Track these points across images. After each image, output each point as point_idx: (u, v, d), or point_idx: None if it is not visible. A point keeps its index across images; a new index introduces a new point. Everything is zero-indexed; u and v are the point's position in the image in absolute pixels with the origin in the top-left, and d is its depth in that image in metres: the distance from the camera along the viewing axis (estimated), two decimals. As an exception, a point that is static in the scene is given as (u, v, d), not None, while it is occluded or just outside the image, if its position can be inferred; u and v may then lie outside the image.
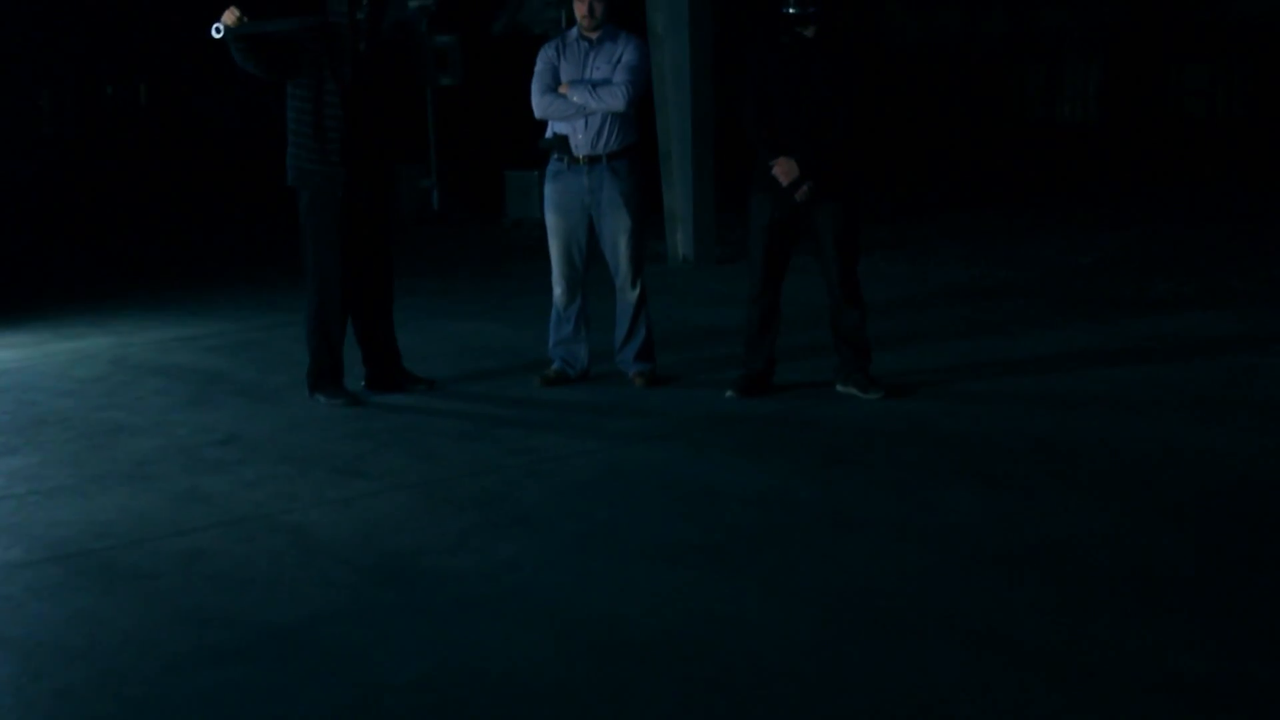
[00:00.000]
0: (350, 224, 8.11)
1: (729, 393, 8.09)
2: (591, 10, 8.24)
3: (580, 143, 8.28)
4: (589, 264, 8.51)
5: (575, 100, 8.20)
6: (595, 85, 8.18)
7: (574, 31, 8.42)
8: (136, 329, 10.73)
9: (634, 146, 8.38)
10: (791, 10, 7.85)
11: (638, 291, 8.49)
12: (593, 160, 8.29)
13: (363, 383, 8.52)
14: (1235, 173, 21.71)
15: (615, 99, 8.15)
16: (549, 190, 8.45)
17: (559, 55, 8.35)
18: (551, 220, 8.45)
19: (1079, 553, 5.32)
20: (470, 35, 16.01)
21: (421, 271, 13.16)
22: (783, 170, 7.89)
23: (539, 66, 8.37)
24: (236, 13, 7.62)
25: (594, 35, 8.30)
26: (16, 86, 29.33)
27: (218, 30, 7.62)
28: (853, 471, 6.47)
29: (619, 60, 8.25)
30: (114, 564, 5.54)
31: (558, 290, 8.53)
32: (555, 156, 8.40)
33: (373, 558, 5.52)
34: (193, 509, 6.23)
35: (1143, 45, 29.89)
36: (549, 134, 8.43)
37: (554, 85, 8.28)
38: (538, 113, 8.33)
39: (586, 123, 8.25)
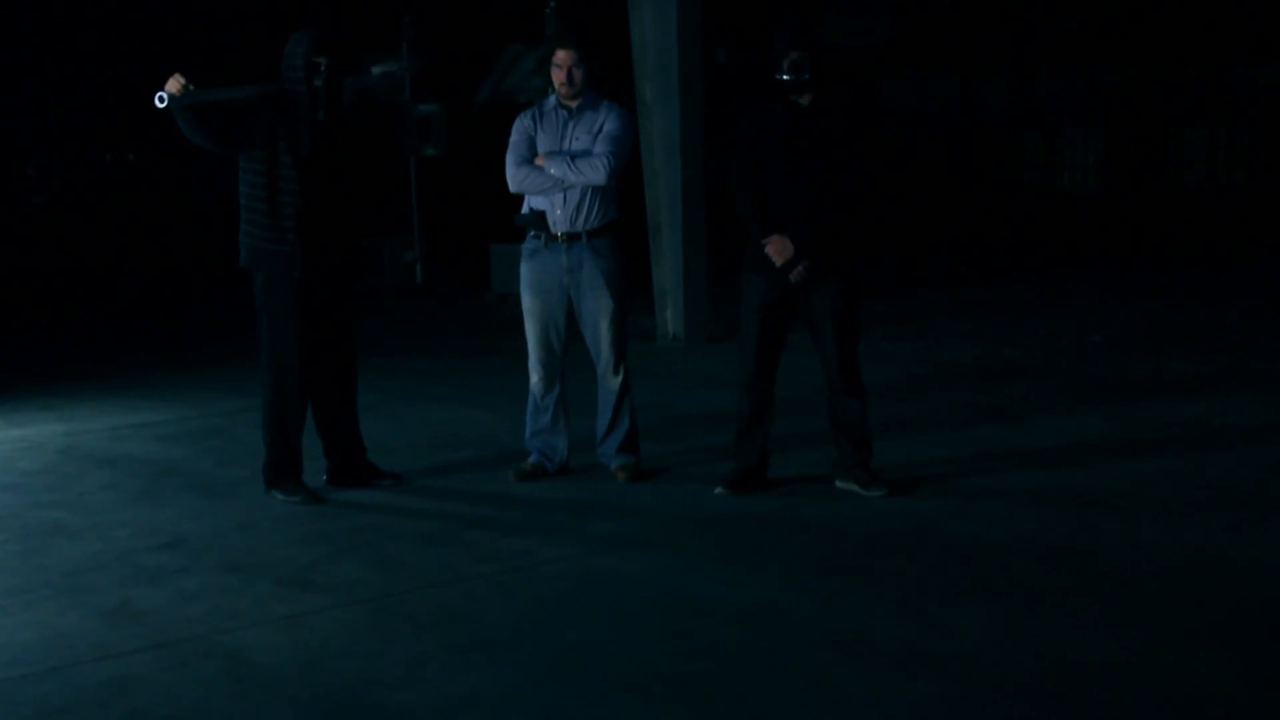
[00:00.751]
0: (309, 307, 7.52)
1: (719, 489, 7.48)
2: (570, 77, 7.68)
3: (558, 219, 7.71)
4: (568, 348, 7.93)
5: (553, 173, 7.63)
6: (574, 157, 7.61)
7: (552, 99, 7.86)
8: (92, 414, 10.11)
9: (616, 223, 7.80)
10: (786, 76, 7.29)
11: (621, 378, 7.89)
12: (572, 238, 7.71)
13: (325, 477, 7.90)
14: (1241, 242, 21.17)
15: (595, 172, 7.58)
16: (525, 270, 7.87)
17: (535, 125, 7.79)
18: (528, 302, 7.87)
19: (1109, 682, 4.70)
20: (454, 103, 15.49)
21: (400, 349, 12.57)
22: (776, 249, 7.31)
23: (514, 137, 7.81)
24: (181, 80, 7.05)
25: (573, 104, 7.74)
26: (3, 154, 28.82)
27: (161, 100, 7.05)
28: (853, 583, 5.84)
29: (600, 130, 7.69)
30: (22, 698, 4.90)
31: (534, 377, 7.93)
32: (532, 234, 7.82)
33: (313, 689, 4.88)
34: (122, 629, 5.59)
35: (1142, 113, 29.45)
36: (525, 209, 7.86)
37: (530, 157, 7.72)
38: (513, 186, 7.77)
39: (565, 197, 7.68)
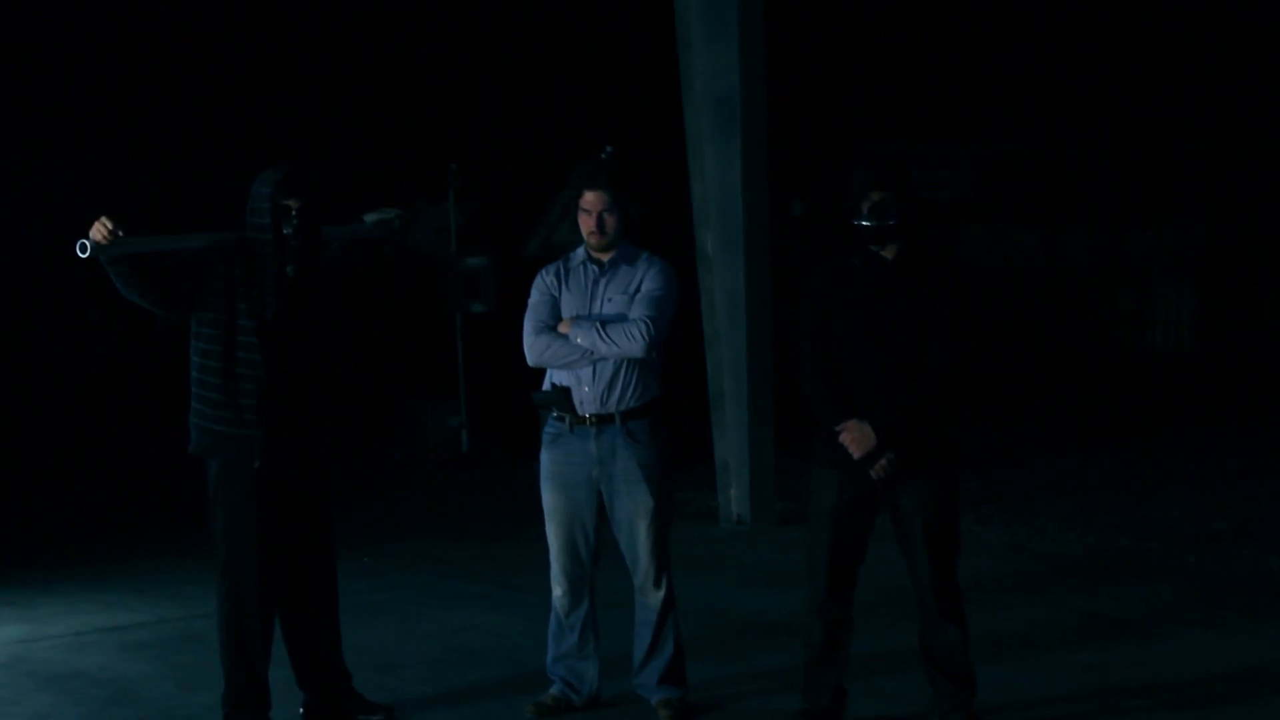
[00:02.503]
0: (273, 504, 6.03)
1: (782, 739, 5.88)
2: (600, 224, 6.22)
3: (586, 398, 6.22)
4: (599, 556, 6.39)
5: (579, 342, 6.15)
6: (606, 323, 6.14)
7: (580, 253, 6.40)
8: (58, 613, 8.57)
9: (656, 402, 6.30)
10: (866, 222, 5.81)
11: (663, 593, 6.34)
12: (603, 420, 6.22)
13: (300, 710, 6.35)
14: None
15: (631, 341, 6.09)
16: (546, 459, 6.37)
17: (560, 283, 6.34)
18: (550, 499, 6.36)
19: None
20: (503, 256, 14.14)
21: (427, 532, 11.03)
22: (853, 438, 5.79)
23: (533, 298, 6.36)
24: (109, 226, 5.63)
25: (605, 257, 6.29)
26: None
27: (82, 249, 5.63)
28: None
29: (637, 290, 6.22)
30: None
31: (557, 590, 6.39)
32: (554, 415, 6.33)
33: None
34: None
35: (1237, 266, 27.85)
36: (546, 385, 6.38)
37: (552, 322, 6.26)
38: (531, 358, 6.30)
39: (594, 372, 6.19)
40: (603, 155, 12.12)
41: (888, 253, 5.90)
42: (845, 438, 5.82)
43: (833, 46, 21.31)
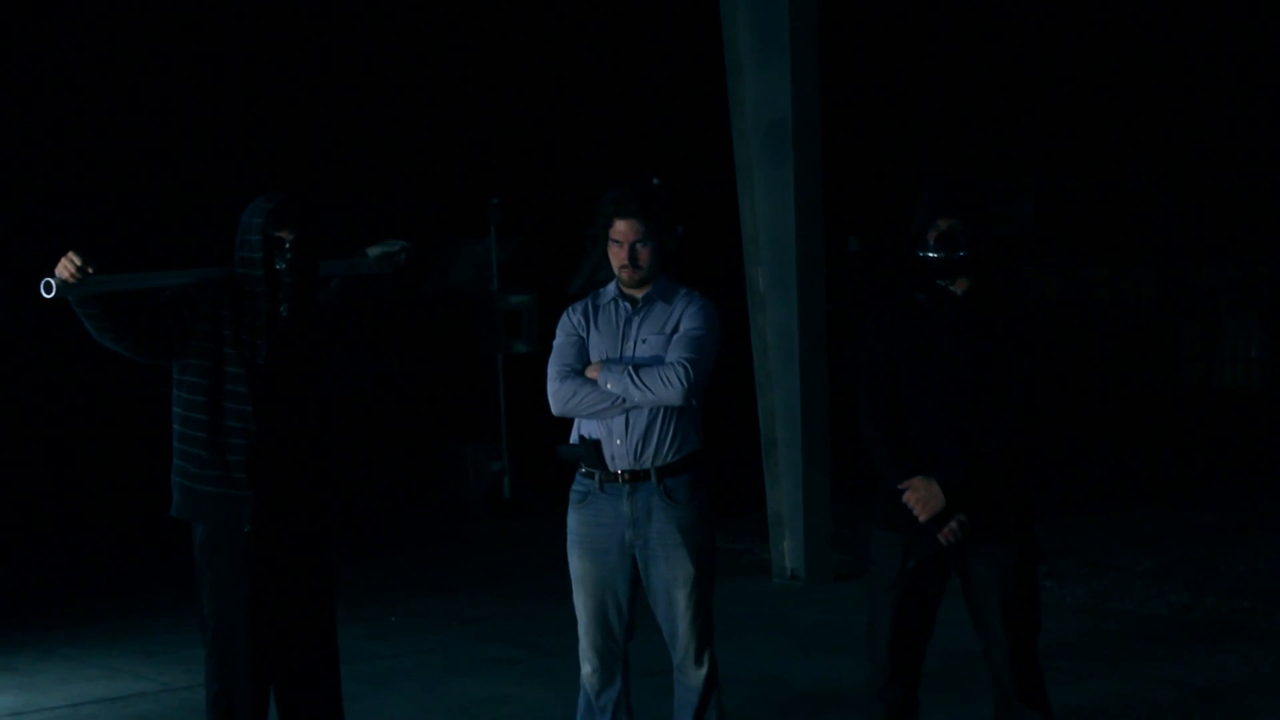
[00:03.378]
0: (267, 574, 5.33)
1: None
2: (633, 256, 5.52)
3: (618, 451, 5.50)
4: (633, 629, 5.66)
5: (610, 389, 5.44)
6: (639, 367, 5.41)
7: (611, 289, 5.69)
8: (57, 680, 7.88)
9: (696, 457, 5.58)
10: (932, 254, 5.07)
11: (705, 671, 5.60)
12: (637, 477, 5.50)
13: (299, 800, 5.64)
14: None
15: (667, 388, 5.37)
16: (574, 521, 5.67)
17: (588, 323, 5.63)
18: (578, 566, 5.65)
19: None
20: (547, 294, 13.46)
21: (460, 587, 10.31)
22: (919, 497, 5.05)
23: (559, 339, 5.66)
24: (76, 262, 4.96)
25: (638, 293, 5.58)
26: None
27: (47, 288, 4.95)
28: None
29: (674, 329, 5.51)
30: None
31: (586, 668, 5.67)
32: (582, 472, 5.62)
33: None
34: None
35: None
36: (574, 438, 5.66)
37: (579, 366, 5.55)
38: (556, 407, 5.59)
39: (627, 422, 5.48)
40: (650, 186, 11.45)
41: (957, 288, 5.17)
42: (910, 497, 5.08)
43: (890, 76, 20.61)
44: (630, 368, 5.43)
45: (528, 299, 13.52)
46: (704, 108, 12.31)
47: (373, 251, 5.78)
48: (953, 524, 5.06)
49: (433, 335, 14.56)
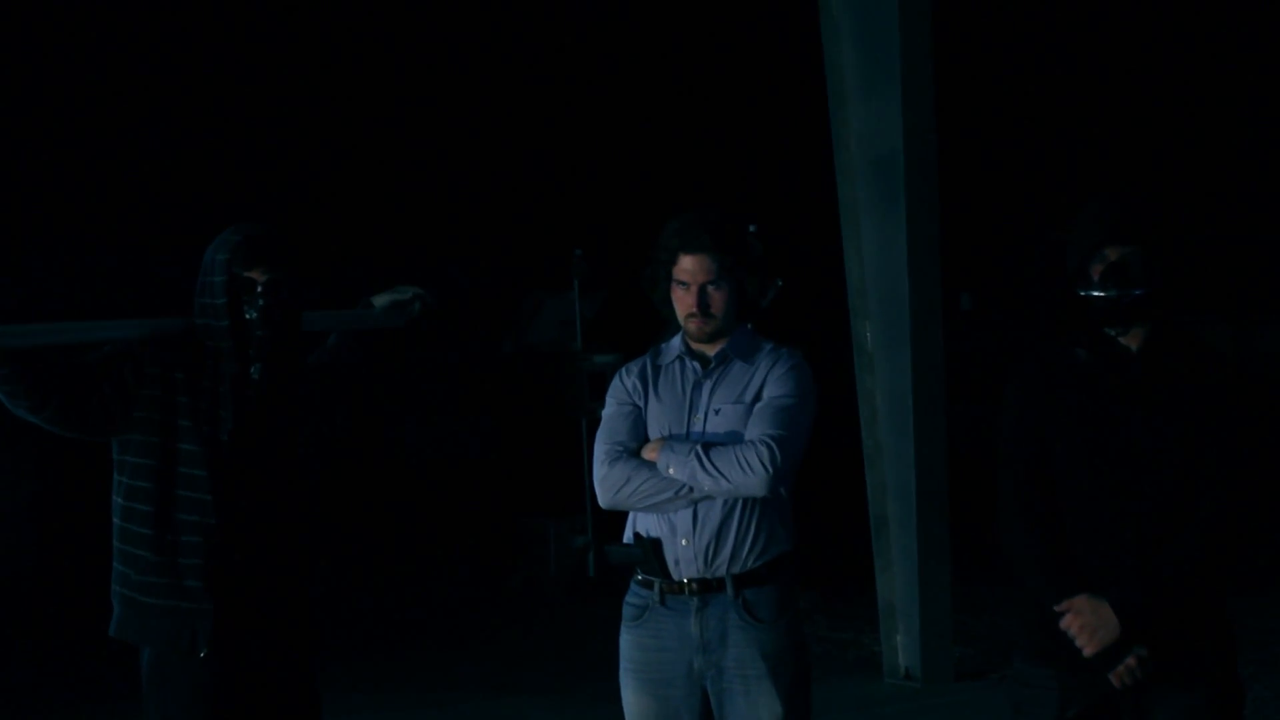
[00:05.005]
0: (230, 709, 4.08)
1: None
2: (704, 301, 4.25)
3: (684, 555, 4.21)
4: (704, 783, 4.33)
5: (673, 474, 4.15)
6: (711, 447, 4.12)
7: (675, 344, 4.41)
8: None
9: (785, 561, 4.28)
10: (1098, 294, 3.75)
11: (797, 837, 4.25)
12: (708, 588, 4.19)
13: None
14: None
15: (748, 473, 4.08)
16: (629, 645, 4.37)
17: (646, 388, 4.36)
18: (634, 702, 4.37)
19: None
20: (634, 354, 12.30)
21: (534, 685, 9.06)
22: (1085, 624, 3.72)
23: (607, 410, 4.40)
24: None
25: (711, 349, 4.30)
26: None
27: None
28: None
29: (756, 397, 4.22)
30: None
31: (646, 827, 4.34)
32: (638, 580, 4.32)
33: None
34: None
35: None
36: (627, 535, 4.37)
37: (634, 445, 4.26)
38: (604, 497, 4.32)
39: (696, 517, 4.19)
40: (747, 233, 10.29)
41: (1130, 340, 3.85)
42: (1072, 623, 3.74)
43: (1005, 123, 19.25)
44: (699, 447, 4.15)
45: (614, 358, 12.43)
46: (804, 144, 11.17)
47: (379, 301, 4.54)
48: (1129, 660, 3.71)
49: (511, 398, 13.54)
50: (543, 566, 12.81)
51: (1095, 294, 3.81)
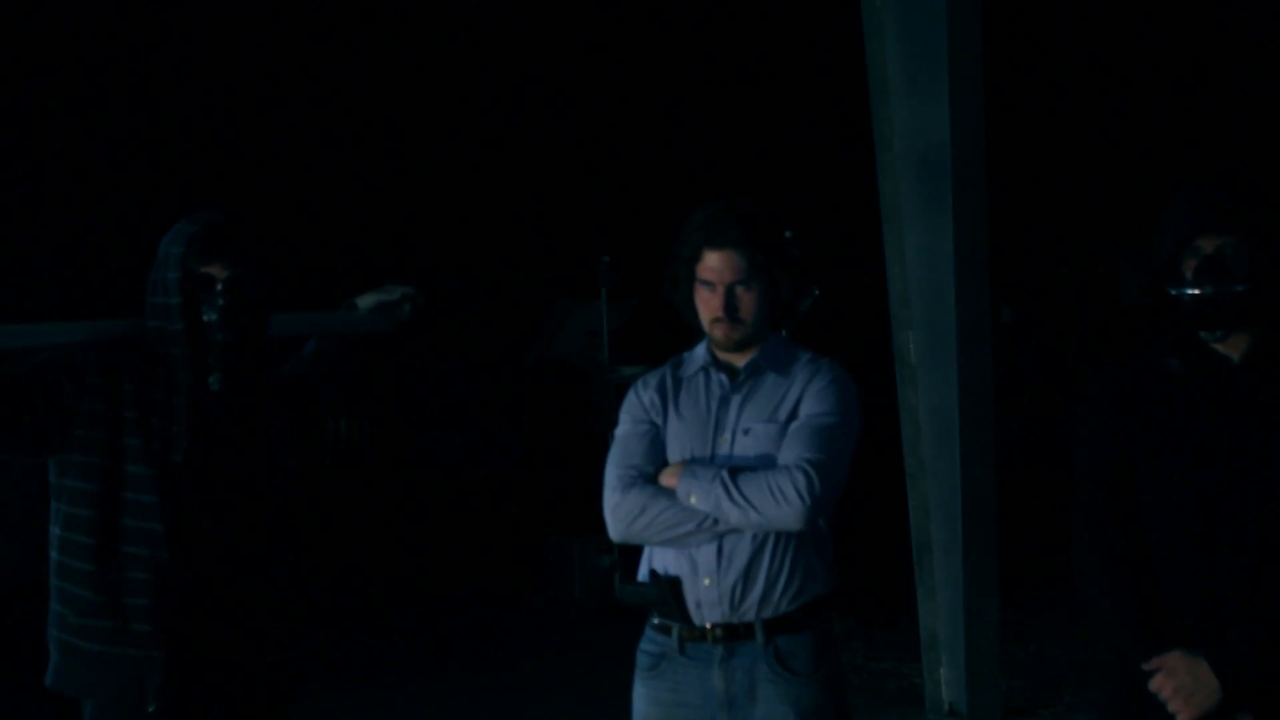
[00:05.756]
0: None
1: None
2: (731, 304, 3.71)
3: (707, 597, 3.65)
4: None
5: (695, 504, 3.59)
6: (739, 472, 3.56)
7: (700, 353, 3.85)
8: None
9: (823, 604, 3.70)
10: (1192, 291, 3.18)
11: None
12: (734, 635, 3.63)
13: None
14: None
15: (781, 504, 3.53)
16: (643, 699, 3.83)
17: (665, 403, 3.79)
18: (647, 763, 3.77)
19: None
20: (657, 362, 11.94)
21: (556, 716, 8.57)
22: (1178, 685, 3.17)
23: (621, 429, 3.84)
24: None
25: (740, 360, 3.74)
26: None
27: None
28: None
29: (792, 414, 3.66)
30: None
31: None
32: (654, 624, 3.76)
33: None
34: None
35: None
36: (642, 574, 3.81)
37: (651, 469, 3.70)
38: (616, 529, 3.79)
39: (721, 553, 3.63)
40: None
41: (1231, 348, 3.28)
42: (1164, 685, 3.17)
43: (1050, 135, 18.73)
44: (725, 473, 3.58)
45: (643, 370, 12.06)
46: (844, 142, 10.69)
47: (364, 302, 4.01)
48: (1234, 728, 3.14)
49: (535, 411, 13.14)
50: (567, 587, 12.39)
51: (1188, 292, 3.24)
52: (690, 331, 4.08)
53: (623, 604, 3.89)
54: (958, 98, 8.28)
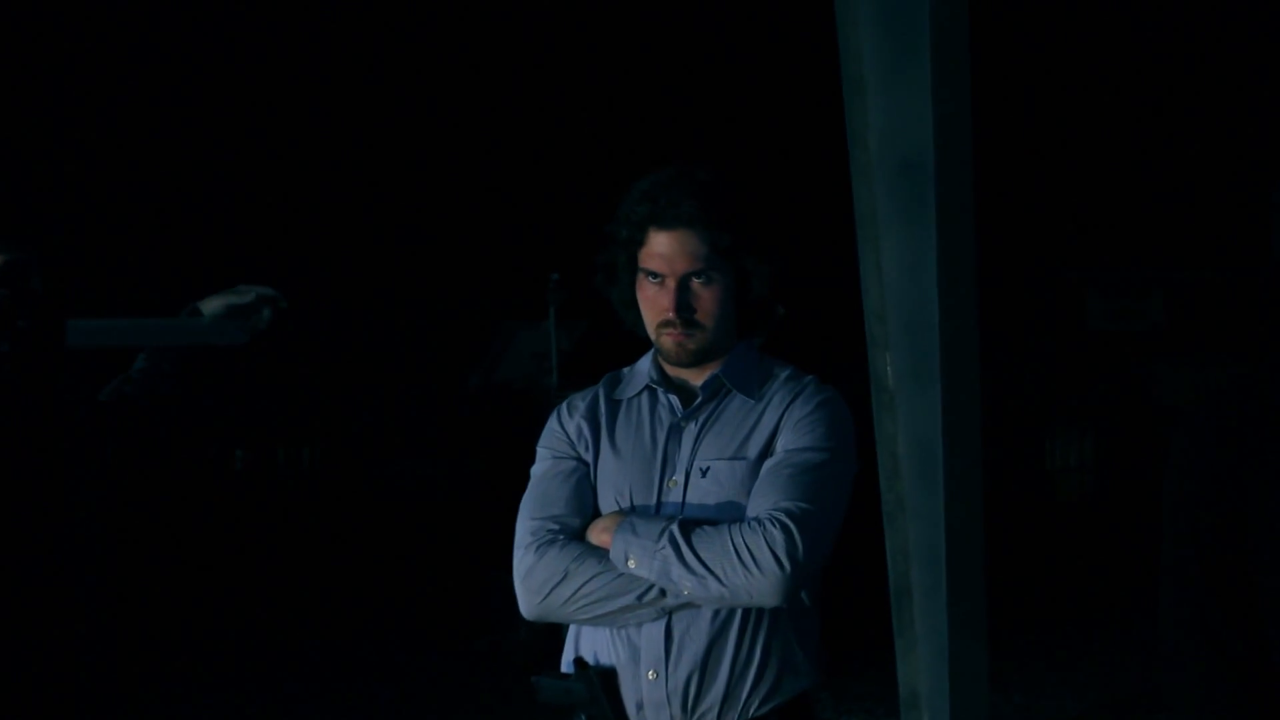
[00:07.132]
0: None
1: None
2: (683, 302, 2.74)
3: (652, 696, 2.69)
4: None
5: (634, 569, 2.62)
6: (694, 527, 2.60)
7: (643, 367, 2.88)
8: None
9: (805, 701, 2.76)
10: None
11: None
12: (687, 747, 2.66)
13: None
14: None
15: (753, 572, 2.61)
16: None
17: (598, 434, 2.82)
18: None
19: None
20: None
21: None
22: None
23: (538, 467, 2.86)
24: None
25: (697, 377, 2.78)
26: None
27: None
28: None
29: (766, 447, 2.71)
30: None
31: None
32: (579, 729, 2.78)
33: None
34: None
35: None
36: (565, 663, 2.82)
37: (577, 521, 2.74)
38: (527, 603, 2.80)
39: (671, 637, 2.66)
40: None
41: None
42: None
43: (1007, 164, 18.16)
44: (676, 527, 2.62)
45: (594, 395, 11.39)
46: (813, 144, 10.01)
47: (209, 307, 3.04)
48: None
49: (480, 439, 12.44)
50: (512, 631, 11.56)
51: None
52: (643, 350, 3.13)
53: (539, 701, 2.91)
54: (943, 91, 7.47)
